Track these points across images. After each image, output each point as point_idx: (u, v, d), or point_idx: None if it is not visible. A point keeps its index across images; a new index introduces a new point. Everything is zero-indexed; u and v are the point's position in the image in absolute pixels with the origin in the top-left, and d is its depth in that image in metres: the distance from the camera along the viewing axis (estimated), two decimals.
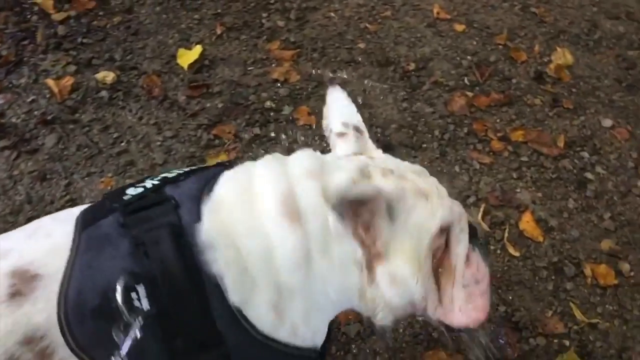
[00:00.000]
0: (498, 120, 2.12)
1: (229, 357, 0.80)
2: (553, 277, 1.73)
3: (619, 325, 1.67)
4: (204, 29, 2.25)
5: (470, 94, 2.19)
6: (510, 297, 1.67)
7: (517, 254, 1.75)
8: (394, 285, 0.90)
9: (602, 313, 1.69)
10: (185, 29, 2.25)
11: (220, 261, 0.79)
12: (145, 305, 0.74)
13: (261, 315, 0.83)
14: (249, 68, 2.16)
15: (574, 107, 2.18)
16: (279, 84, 2.12)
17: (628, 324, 1.68)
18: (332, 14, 2.35)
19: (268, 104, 2.05)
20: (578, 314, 1.66)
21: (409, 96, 2.16)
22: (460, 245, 0.96)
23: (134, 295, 0.74)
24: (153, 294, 0.74)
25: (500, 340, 1.58)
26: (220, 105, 2.02)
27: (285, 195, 0.84)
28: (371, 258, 0.88)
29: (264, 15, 2.32)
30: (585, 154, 2.04)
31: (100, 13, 2.30)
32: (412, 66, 2.24)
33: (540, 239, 1.80)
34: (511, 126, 2.10)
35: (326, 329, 0.98)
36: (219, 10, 2.31)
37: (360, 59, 2.24)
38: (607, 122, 2.15)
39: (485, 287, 1.01)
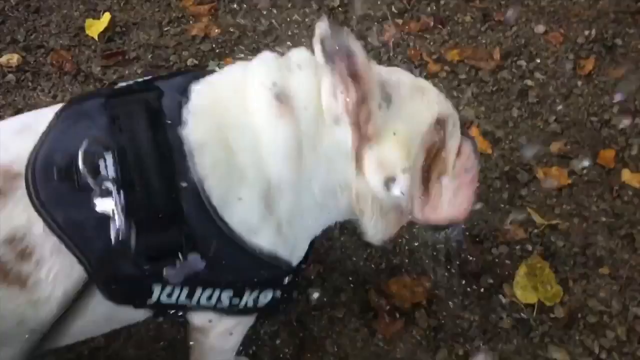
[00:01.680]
0: (431, 43, 2.06)
1: (193, 240, 0.80)
2: (507, 186, 1.70)
3: (579, 224, 1.65)
4: None
5: (400, 21, 2.12)
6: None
7: None
8: (380, 170, 0.89)
9: (560, 214, 1.66)
10: None
11: (207, 163, 0.81)
12: (111, 173, 0.76)
13: (247, 211, 0.84)
14: (165, 29, 2.04)
15: (505, 18, 2.13)
16: (199, 41, 2.00)
17: (588, 221, 1.66)
18: None
19: (191, 61, 1.93)
20: (537, 217, 1.63)
21: None
22: (453, 138, 0.97)
23: (101, 162, 0.76)
24: (121, 164, 0.76)
25: (463, 254, 1.54)
26: (139, 71, 1.90)
27: (277, 88, 0.86)
28: (361, 142, 0.87)
29: None
30: (523, 62, 2.01)
31: None
32: (336, 2, 2.15)
33: (489, 151, 1.76)
34: (445, 47, 2.04)
35: (306, 247, 0.99)
36: None
37: (281, 3, 2.14)
38: (540, 29, 2.11)
39: (473, 176, 1.01)
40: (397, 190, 0.91)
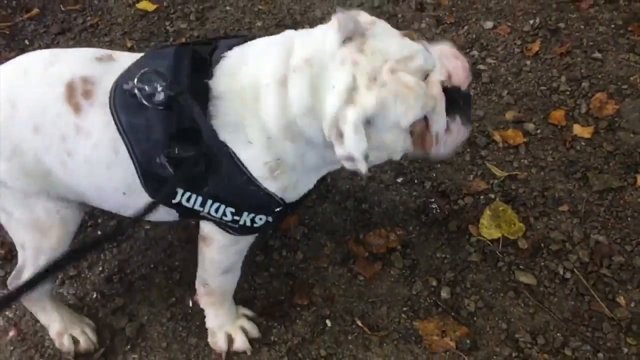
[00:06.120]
0: None
1: (209, 157, 1.09)
2: (468, 150, 1.90)
3: (536, 173, 1.83)
4: (115, 47, 2.45)
5: None
6: (434, 175, 1.83)
7: None
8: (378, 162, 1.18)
9: (518, 166, 1.85)
10: None
11: (219, 111, 1.10)
12: (160, 96, 1.07)
13: (251, 157, 1.12)
14: None
15: (456, 20, 2.41)
16: None
17: (545, 170, 1.84)
18: (228, 8, 2.59)
19: None
20: (496, 170, 1.82)
21: None
22: (437, 125, 1.13)
23: (157, 86, 1.07)
24: (167, 92, 1.07)
25: (432, 207, 1.73)
26: None
27: (286, 121, 1.09)
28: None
29: (167, 23, 2.53)
30: (475, 52, 2.26)
31: None
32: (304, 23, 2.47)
33: None
34: None
35: (305, 188, 1.24)
36: (126, 30, 2.52)
37: (260, 35, 2.46)
38: (489, 24, 2.38)
39: (462, 142, 1.21)
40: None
